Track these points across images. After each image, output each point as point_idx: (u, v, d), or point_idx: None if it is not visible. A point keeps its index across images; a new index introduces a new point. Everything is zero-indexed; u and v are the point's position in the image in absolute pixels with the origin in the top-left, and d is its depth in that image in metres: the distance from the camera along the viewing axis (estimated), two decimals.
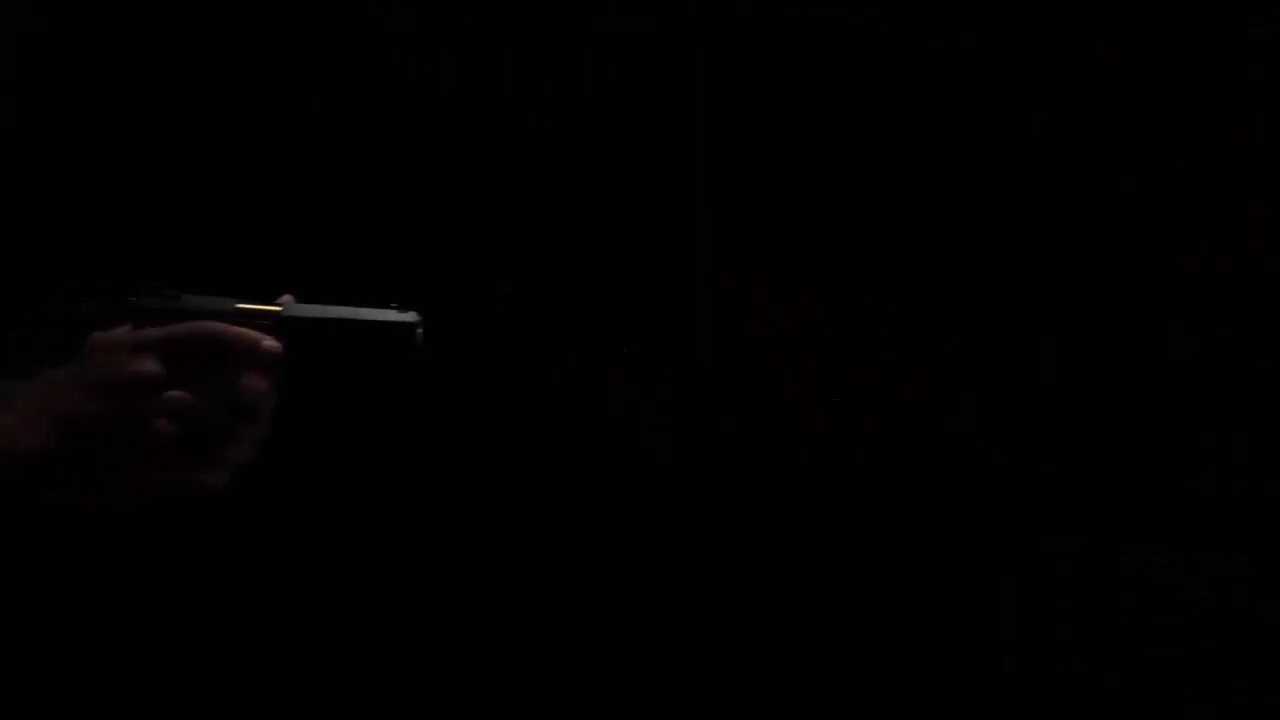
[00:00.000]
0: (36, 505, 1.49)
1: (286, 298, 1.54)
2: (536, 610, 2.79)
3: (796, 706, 2.81)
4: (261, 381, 1.49)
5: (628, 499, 2.80)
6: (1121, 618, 2.78)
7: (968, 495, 2.80)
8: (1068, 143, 2.77)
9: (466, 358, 2.69)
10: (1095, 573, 2.79)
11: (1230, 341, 2.75)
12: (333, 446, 2.72)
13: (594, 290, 2.77)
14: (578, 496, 2.78)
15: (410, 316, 1.54)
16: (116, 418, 1.45)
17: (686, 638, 2.81)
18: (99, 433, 1.46)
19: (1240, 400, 2.75)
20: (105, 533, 2.66)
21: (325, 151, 2.76)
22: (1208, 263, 2.76)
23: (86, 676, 2.71)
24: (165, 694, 2.74)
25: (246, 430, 1.50)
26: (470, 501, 2.78)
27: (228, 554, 2.75)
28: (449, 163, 2.78)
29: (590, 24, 2.74)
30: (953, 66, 2.77)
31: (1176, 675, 2.75)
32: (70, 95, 2.69)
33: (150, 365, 1.45)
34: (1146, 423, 2.77)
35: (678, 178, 2.81)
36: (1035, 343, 2.80)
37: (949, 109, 2.78)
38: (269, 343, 1.49)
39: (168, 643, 2.75)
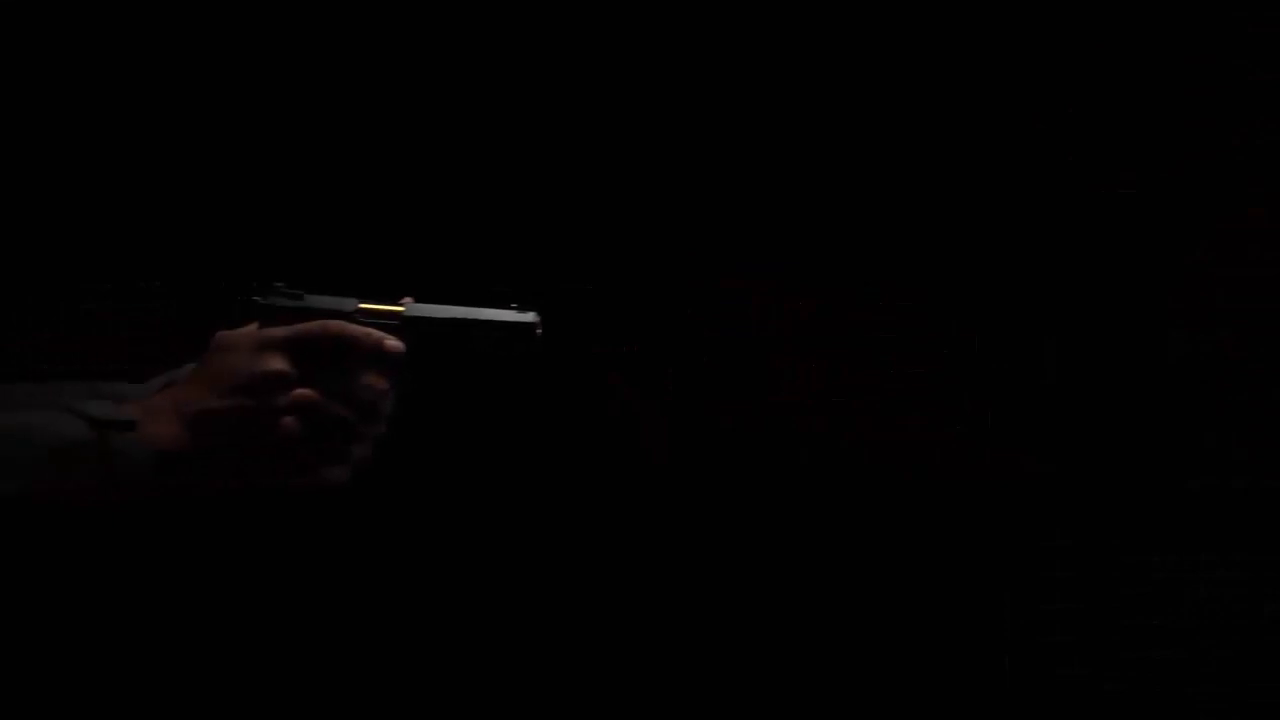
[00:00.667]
0: (168, 499, 1.53)
1: (407, 299, 1.56)
2: (536, 609, 2.79)
3: (796, 706, 2.81)
4: (382, 380, 1.52)
5: (627, 499, 2.80)
6: (1121, 618, 2.79)
7: (968, 495, 2.80)
8: (1068, 143, 2.77)
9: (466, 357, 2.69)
10: (1095, 573, 2.79)
11: (1230, 341, 2.75)
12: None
13: (595, 290, 2.77)
14: (577, 496, 2.78)
15: (530, 316, 1.55)
16: (246, 414, 1.49)
17: (686, 637, 2.81)
18: (229, 429, 1.49)
19: (1240, 400, 2.75)
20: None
21: (331, 152, 2.76)
22: (1208, 263, 2.76)
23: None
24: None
25: (368, 427, 1.53)
26: (470, 501, 2.78)
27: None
28: (449, 162, 2.79)
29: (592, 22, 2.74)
30: (953, 67, 2.77)
31: (1176, 676, 2.75)
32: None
33: (278, 363, 1.49)
34: (1146, 423, 2.77)
35: (679, 178, 2.81)
36: (1035, 343, 2.80)
37: (949, 109, 2.78)
38: (392, 342, 1.52)
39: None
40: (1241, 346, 2.76)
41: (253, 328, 1.52)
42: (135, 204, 2.69)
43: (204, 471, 1.50)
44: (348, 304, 1.53)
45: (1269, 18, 2.69)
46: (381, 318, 1.53)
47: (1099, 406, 2.79)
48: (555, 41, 2.75)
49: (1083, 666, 2.78)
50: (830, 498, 2.80)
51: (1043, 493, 2.79)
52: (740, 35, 2.79)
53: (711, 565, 2.81)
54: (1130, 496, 2.79)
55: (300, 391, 1.49)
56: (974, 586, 2.81)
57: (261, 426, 1.48)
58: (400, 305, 1.55)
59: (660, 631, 2.81)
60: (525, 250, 2.77)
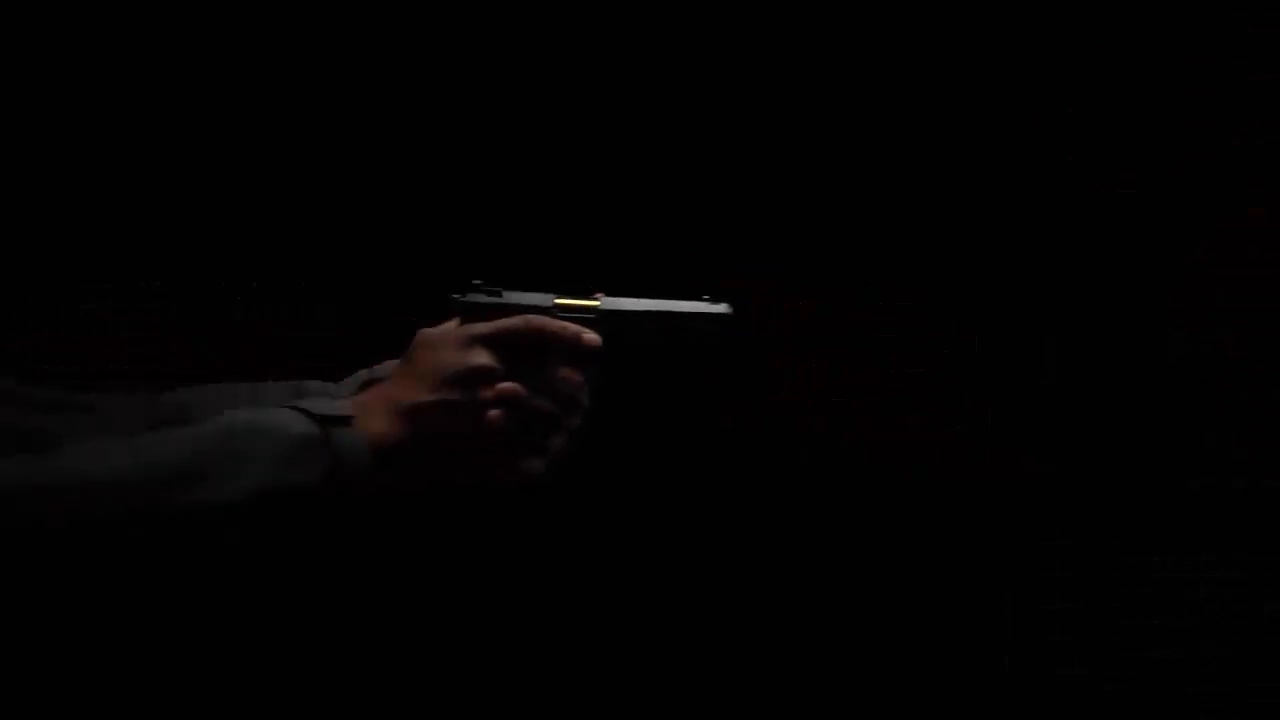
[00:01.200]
0: (379, 494, 1.56)
1: (599, 294, 1.59)
2: (537, 610, 2.79)
3: (796, 706, 2.81)
4: (579, 374, 1.56)
5: (627, 498, 2.80)
6: (1121, 618, 2.78)
7: (968, 495, 2.80)
8: (1068, 143, 2.77)
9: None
10: (1095, 573, 2.79)
11: (1230, 341, 2.75)
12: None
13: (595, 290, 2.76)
14: (578, 495, 2.78)
15: (722, 308, 1.58)
16: (455, 408, 1.52)
17: (686, 637, 2.81)
18: (439, 422, 1.53)
19: (1240, 400, 2.75)
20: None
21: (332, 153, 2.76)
22: (1208, 263, 2.76)
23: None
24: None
25: (567, 420, 1.57)
26: (470, 501, 2.78)
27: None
28: (447, 163, 2.78)
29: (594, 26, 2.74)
30: (953, 67, 2.77)
31: (1176, 676, 2.75)
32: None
33: (484, 358, 1.53)
34: (1146, 423, 2.77)
35: (678, 178, 2.81)
36: (1035, 343, 2.80)
37: (949, 110, 2.78)
38: (590, 336, 1.55)
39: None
40: (1241, 346, 2.76)
41: (453, 324, 1.56)
42: (135, 204, 2.69)
43: (416, 465, 1.54)
44: (545, 300, 1.56)
45: (1269, 18, 2.69)
46: (578, 312, 1.57)
47: (1099, 407, 2.79)
48: (557, 40, 2.75)
49: (1083, 666, 2.78)
50: (830, 498, 2.80)
51: (1043, 493, 2.79)
52: (741, 35, 2.79)
53: (711, 565, 2.81)
54: (1130, 496, 2.78)
55: (506, 385, 1.53)
56: (974, 586, 2.81)
57: (469, 419, 1.52)
58: (595, 300, 1.58)
59: (660, 632, 2.81)
60: (523, 251, 2.76)
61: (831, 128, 2.79)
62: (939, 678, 2.80)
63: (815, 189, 2.81)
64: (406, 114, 2.77)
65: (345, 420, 1.50)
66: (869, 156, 2.80)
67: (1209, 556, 2.76)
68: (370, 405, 1.53)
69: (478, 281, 1.58)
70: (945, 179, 2.80)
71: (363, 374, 1.67)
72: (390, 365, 1.61)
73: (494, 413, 1.52)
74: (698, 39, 2.78)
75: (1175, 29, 2.70)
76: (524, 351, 1.54)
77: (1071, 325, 2.80)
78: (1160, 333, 2.77)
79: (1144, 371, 2.78)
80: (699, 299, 1.58)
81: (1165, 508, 2.77)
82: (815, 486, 2.79)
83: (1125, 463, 2.79)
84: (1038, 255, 2.80)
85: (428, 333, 1.56)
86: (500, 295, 1.56)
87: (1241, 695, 2.73)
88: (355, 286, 2.73)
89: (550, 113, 2.75)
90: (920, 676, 2.80)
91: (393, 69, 2.74)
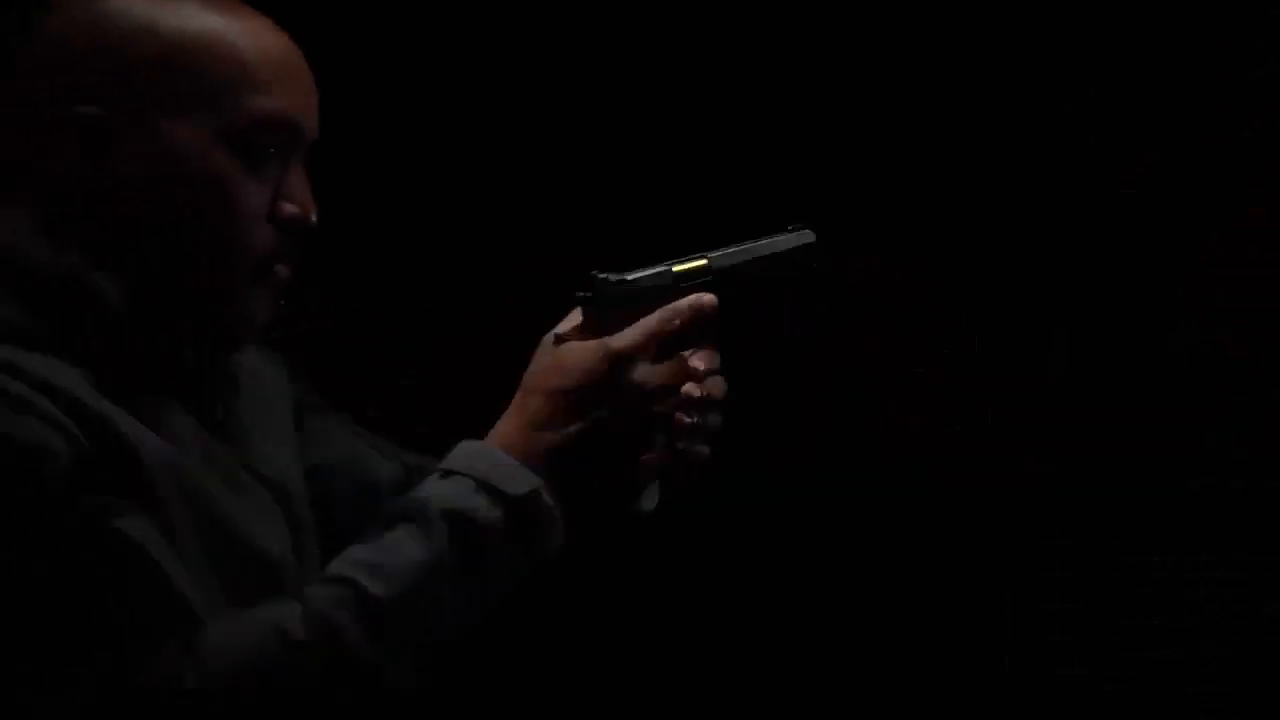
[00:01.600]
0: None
1: (700, 255, 1.54)
2: (536, 610, 2.79)
3: (796, 706, 2.81)
4: (713, 347, 1.52)
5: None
6: (1121, 618, 2.78)
7: (968, 495, 2.80)
8: (1068, 143, 2.77)
9: (465, 358, 2.69)
10: (1095, 573, 2.79)
11: (1230, 341, 2.75)
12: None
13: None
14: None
15: (810, 235, 1.57)
16: (644, 421, 1.47)
17: (686, 638, 2.81)
18: (628, 434, 1.48)
19: (1240, 400, 2.75)
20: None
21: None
22: (1209, 263, 2.76)
23: None
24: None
25: (720, 396, 1.53)
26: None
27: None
28: (448, 165, 2.78)
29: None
30: (955, 66, 2.77)
31: (1176, 675, 2.75)
32: None
33: (662, 374, 1.47)
34: (1146, 423, 2.77)
35: (679, 179, 2.81)
36: (1036, 342, 2.80)
37: (949, 110, 2.78)
38: (709, 298, 1.51)
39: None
40: (1243, 346, 2.76)
41: (574, 326, 1.49)
42: None
43: (585, 493, 1.48)
44: (665, 276, 1.52)
45: (1269, 17, 2.69)
46: (696, 277, 1.53)
47: (1099, 406, 2.79)
48: (555, 43, 2.75)
49: (1083, 666, 2.78)
50: (831, 497, 2.80)
51: (1043, 493, 2.79)
52: (744, 34, 2.79)
53: (711, 565, 2.81)
54: (1130, 496, 2.78)
55: (687, 389, 1.49)
56: (974, 586, 2.81)
57: (658, 430, 1.47)
58: (703, 259, 1.53)
59: (660, 633, 2.81)
60: (523, 251, 2.76)
61: (833, 128, 2.79)
62: (939, 678, 2.80)
63: (815, 189, 2.81)
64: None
65: (534, 496, 1.42)
66: (871, 156, 2.80)
67: (1209, 556, 2.76)
68: (523, 447, 1.45)
69: (597, 272, 1.51)
70: (945, 179, 2.80)
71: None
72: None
73: (678, 417, 1.47)
74: (700, 39, 2.78)
75: (1177, 28, 2.70)
76: (669, 345, 1.48)
77: (1071, 325, 2.80)
78: (1160, 333, 2.77)
79: (1144, 371, 2.78)
80: (785, 231, 1.57)
81: (1165, 508, 2.77)
82: (816, 486, 2.79)
83: (1125, 462, 2.79)
84: (1039, 255, 2.80)
85: (568, 349, 1.47)
86: (625, 280, 1.50)
87: (1241, 695, 2.73)
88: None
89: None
90: (920, 676, 2.80)
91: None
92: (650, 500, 1.61)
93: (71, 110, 1.44)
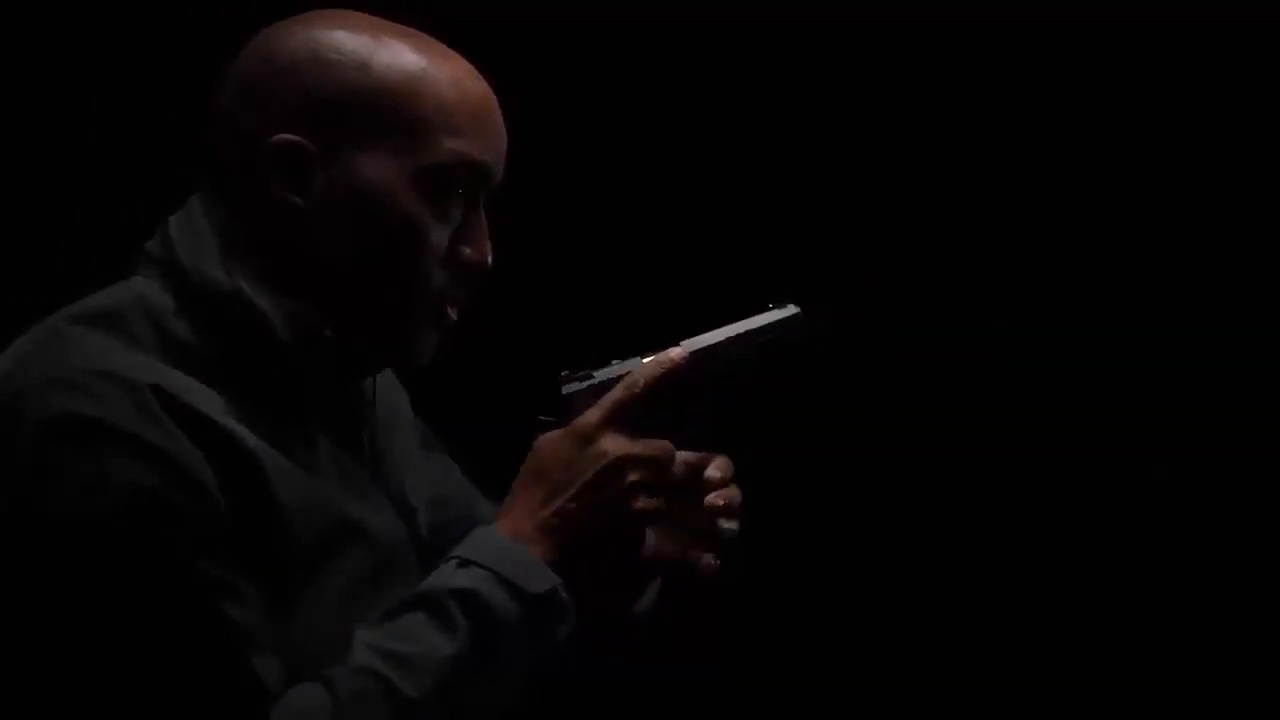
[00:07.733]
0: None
1: (677, 343, 1.58)
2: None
3: (797, 707, 2.81)
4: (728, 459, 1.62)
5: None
6: (1121, 618, 2.79)
7: (968, 495, 2.80)
8: (1067, 143, 2.78)
9: (466, 357, 2.68)
10: (1094, 573, 2.80)
11: (1230, 341, 2.76)
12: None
13: (597, 290, 2.76)
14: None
15: (792, 309, 1.57)
16: (603, 503, 1.50)
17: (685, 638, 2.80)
18: (595, 521, 1.50)
19: (1240, 400, 2.75)
20: None
21: None
22: (1207, 263, 2.77)
23: None
24: None
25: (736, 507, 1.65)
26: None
27: None
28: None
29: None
30: (952, 66, 2.77)
31: (1176, 675, 2.76)
32: None
33: (609, 444, 1.50)
34: (1146, 423, 2.78)
35: (678, 180, 2.81)
36: (1035, 343, 2.80)
37: (948, 110, 2.78)
38: (676, 352, 1.54)
39: None
40: (1241, 346, 2.76)
41: (556, 432, 1.52)
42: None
43: (591, 584, 1.52)
44: (633, 365, 1.54)
45: (1269, 17, 2.69)
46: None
47: (1099, 407, 2.79)
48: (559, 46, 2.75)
49: (1083, 666, 2.79)
50: (830, 497, 2.80)
51: (1042, 493, 2.80)
52: (743, 34, 2.79)
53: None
54: (1130, 496, 2.79)
55: (711, 494, 1.59)
56: (974, 586, 2.81)
57: (624, 509, 1.51)
58: (677, 348, 1.56)
59: (659, 633, 2.80)
60: (522, 251, 2.75)
61: (835, 128, 2.79)
62: (939, 678, 2.80)
63: (814, 189, 2.81)
64: None
65: (552, 596, 1.46)
66: (872, 156, 2.80)
67: (1208, 556, 2.77)
68: (526, 534, 1.49)
69: (565, 372, 1.55)
70: (945, 180, 2.80)
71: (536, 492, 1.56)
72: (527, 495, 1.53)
73: (641, 497, 1.51)
74: (702, 39, 2.78)
75: (1177, 29, 2.71)
76: (640, 412, 1.51)
77: (1071, 325, 2.81)
78: (1160, 334, 2.78)
79: (1143, 371, 2.79)
80: (765, 309, 1.57)
81: (1165, 507, 2.78)
82: (815, 486, 2.79)
83: (1124, 463, 2.79)
84: (1038, 256, 2.80)
85: (546, 440, 1.51)
86: (593, 376, 1.55)
87: (1241, 695, 2.74)
88: None
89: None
90: (920, 676, 2.80)
91: None
92: (648, 599, 1.62)
93: (274, 135, 1.46)
